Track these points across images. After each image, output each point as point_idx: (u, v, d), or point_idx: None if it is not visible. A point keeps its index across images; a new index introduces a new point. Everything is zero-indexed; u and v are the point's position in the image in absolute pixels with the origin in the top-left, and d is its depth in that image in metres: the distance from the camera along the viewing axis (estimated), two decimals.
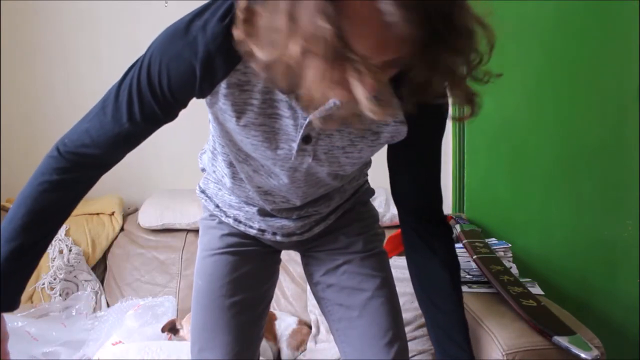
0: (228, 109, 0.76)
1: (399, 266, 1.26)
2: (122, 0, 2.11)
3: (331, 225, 1.04)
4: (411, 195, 0.92)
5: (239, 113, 0.76)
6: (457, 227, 1.88)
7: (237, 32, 0.62)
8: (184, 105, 0.78)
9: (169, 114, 0.78)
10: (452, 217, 2.03)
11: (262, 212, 0.99)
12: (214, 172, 1.01)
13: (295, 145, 0.80)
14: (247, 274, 1.04)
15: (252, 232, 1.03)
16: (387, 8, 0.51)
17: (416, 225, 0.93)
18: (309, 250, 1.08)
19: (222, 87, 0.74)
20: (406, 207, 0.93)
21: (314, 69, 0.56)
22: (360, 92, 0.56)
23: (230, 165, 0.92)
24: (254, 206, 0.99)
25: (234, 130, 0.80)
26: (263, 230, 1.02)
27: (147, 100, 0.75)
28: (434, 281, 0.92)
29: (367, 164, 1.05)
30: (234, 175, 0.94)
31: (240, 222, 1.03)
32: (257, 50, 0.60)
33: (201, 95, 0.75)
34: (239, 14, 0.61)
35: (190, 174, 1.17)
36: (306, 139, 0.80)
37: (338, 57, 0.54)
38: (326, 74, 0.56)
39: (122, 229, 2.03)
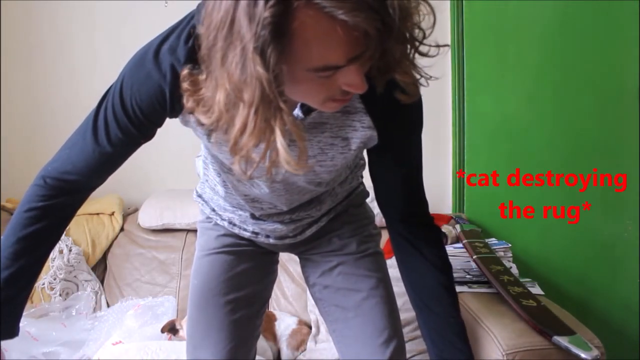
0: (199, 128, 0.78)
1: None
2: (122, 0, 2.11)
3: (324, 228, 1.04)
4: (393, 201, 0.91)
5: (209, 131, 0.77)
6: (457, 227, 1.87)
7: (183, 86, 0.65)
8: (159, 125, 0.80)
9: (146, 134, 0.80)
10: (452, 217, 2.03)
11: (255, 216, 1.00)
12: (207, 180, 1.03)
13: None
14: (243, 273, 1.04)
15: (246, 234, 1.03)
16: (344, 17, 0.51)
17: (402, 230, 0.91)
18: (304, 253, 1.09)
19: None
20: (390, 213, 0.92)
21: (241, 116, 0.57)
22: (280, 142, 0.57)
23: (219, 174, 0.94)
24: (246, 211, 1.00)
25: (208, 146, 0.83)
26: (256, 233, 1.03)
27: (123, 123, 0.77)
28: (425, 284, 0.90)
29: (361, 166, 1.04)
30: (224, 184, 0.95)
31: (234, 224, 1.03)
32: (201, 114, 0.63)
33: (172, 115, 0.77)
34: (183, 81, 0.65)
35: (190, 175, 1.17)
36: None
37: (267, 103, 0.55)
38: (252, 122, 0.56)
39: (122, 229, 2.03)
